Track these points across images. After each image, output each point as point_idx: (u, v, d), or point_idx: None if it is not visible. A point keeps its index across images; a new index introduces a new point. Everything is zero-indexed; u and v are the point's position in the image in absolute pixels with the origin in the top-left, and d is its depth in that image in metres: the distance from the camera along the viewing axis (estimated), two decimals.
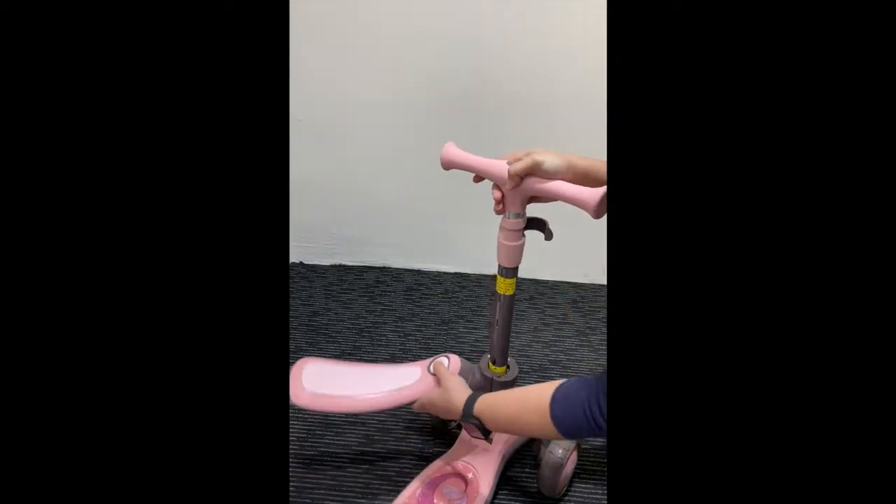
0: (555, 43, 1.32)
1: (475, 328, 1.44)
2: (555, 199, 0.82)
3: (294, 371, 0.98)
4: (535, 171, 0.80)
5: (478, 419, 0.84)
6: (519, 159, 0.81)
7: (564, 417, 0.74)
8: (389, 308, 1.51)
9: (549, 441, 1.01)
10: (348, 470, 1.08)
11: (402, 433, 1.16)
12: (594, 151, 0.83)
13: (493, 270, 0.93)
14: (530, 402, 0.79)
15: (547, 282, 1.60)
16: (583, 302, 1.54)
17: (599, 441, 1.14)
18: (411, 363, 1.01)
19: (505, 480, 1.06)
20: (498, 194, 0.84)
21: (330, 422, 1.19)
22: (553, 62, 1.34)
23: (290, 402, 0.93)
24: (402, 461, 1.10)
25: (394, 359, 1.35)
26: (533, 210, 0.87)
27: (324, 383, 0.97)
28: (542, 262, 1.57)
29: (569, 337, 1.43)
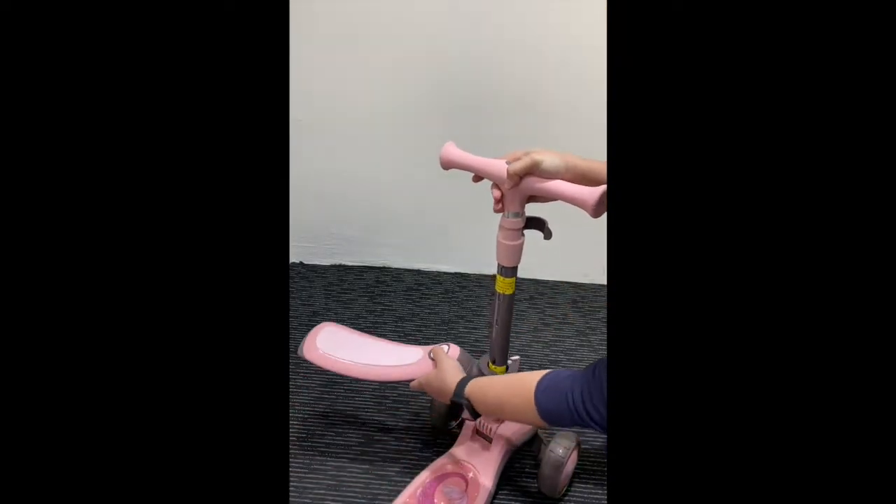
0: (555, 43, 1.32)
1: (475, 328, 1.44)
2: (554, 199, 0.83)
3: (313, 331, 1.09)
4: (533, 170, 0.80)
5: (468, 400, 0.88)
6: (518, 159, 0.81)
7: (547, 403, 0.78)
8: (389, 308, 1.51)
9: (549, 440, 1.02)
10: (348, 470, 1.09)
11: (402, 433, 1.16)
12: (594, 152, 0.83)
13: (493, 270, 0.93)
14: (517, 387, 0.83)
15: (547, 282, 1.60)
16: (583, 302, 1.54)
17: (599, 441, 1.14)
18: (415, 346, 1.06)
19: (505, 480, 1.06)
20: (497, 193, 0.85)
21: (330, 422, 1.19)
22: (553, 62, 1.34)
23: (302, 356, 1.04)
24: (402, 461, 1.10)
25: None
26: (532, 210, 0.87)
27: (334, 346, 1.06)
28: (542, 262, 1.57)
29: (569, 337, 1.43)
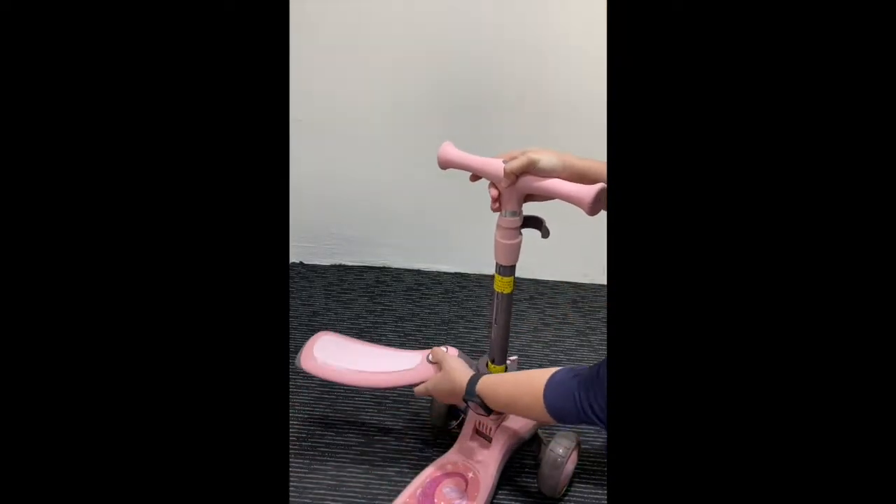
0: (555, 43, 1.32)
1: (475, 328, 1.44)
2: (551, 198, 0.83)
3: (310, 341, 1.07)
4: (530, 169, 0.80)
5: (480, 398, 0.90)
6: (515, 158, 0.81)
7: (555, 402, 0.81)
8: (389, 308, 1.51)
9: (549, 440, 1.02)
10: (348, 470, 1.08)
11: (401, 433, 1.16)
12: (593, 152, 0.83)
13: (493, 270, 0.93)
14: (527, 385, 0.85)
15: (547, 282, 1.60)
16: (583, 302, 1.54)
17: (599, 441, 1.14)
18: (414, 351, 1.05)
19: (505, 480, 1.06)
20: (494, 192, 0.85)
21: (330, 422, 1.19)
22: (553, 63, 1.34)
23: (300, 367, 1.03)
24: (402, 461, 1.10)
25: None
26: (531, 209, 0.88)
27: (332, 355, 1.05)
28: (541, 261, 1.57)
29: (569, 337, 1.43)
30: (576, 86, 1.35)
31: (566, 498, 1.04)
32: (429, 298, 1.54)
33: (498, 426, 1.04)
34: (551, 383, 0.82)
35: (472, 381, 0.91)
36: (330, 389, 1.26)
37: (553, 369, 0.83)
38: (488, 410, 0.91)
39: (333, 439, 1.15)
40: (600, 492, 1.06)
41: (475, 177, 0.87)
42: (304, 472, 1.08)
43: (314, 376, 1.03)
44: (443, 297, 1.55)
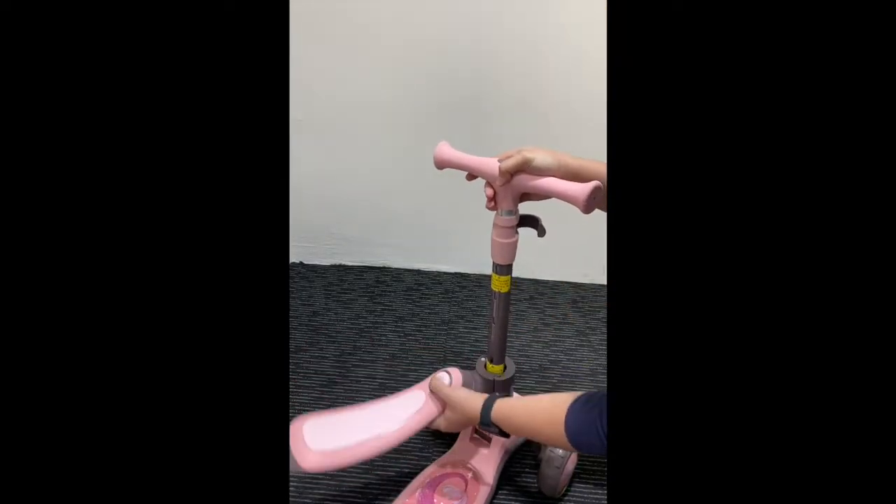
0: (555, 43, 1.32)
1: (475, 328, 1.44)
2: (546, 196, 0.83)
3: (293, 432, 0.87)
4: (525, 167, 0.81)
5: (496, 426, 0.87)
6: (510, 157, 0.81)
7: (579, 437, 0.76)
8: (389, 308, 1.51)
9: None
10: (348, 470, 1.08)
11: None
12: (593, 152, 0.83)
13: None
14: (546, 414, 0.81)
15: (547, 282, 1.60)
16: (583, 302, 1.54)
17: None
18: (411, 388, 0.97)
19: (505, 480, 1.06)
20: (490, 192, 0.86)
21: None
22: (553, 63, 1.34)
23: (299, 469, 0.83)
24: (402, 461, 1.10)
25: (394, 359, 1.35)
26: (528, 208, 0.88)
27: (330, 437, 0.87)
28: (541, 262, 1.57)
29: (569, 337, 1.43)
30: (576, 86, 1.35)
31: (566, 498, 1.04)
32: (429, 298, 1.54)
33: None
34: (572, 415, 0.77)
35: (486, 409, 0.88)
36: (330, 389, 1.26)
37: (571, 396, 0.79)
38: (506, 434, 0.89)
39: None
40: (600, 492, 1.06)
41: (471, 176, 0.87)
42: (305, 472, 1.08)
43: (323, 471, 0.87)
44: (443, 297, 1.55)
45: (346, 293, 1.55)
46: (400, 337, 1.41)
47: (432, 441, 1.14)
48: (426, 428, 0.93)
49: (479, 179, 0.87)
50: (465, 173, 0.87)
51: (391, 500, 0.99)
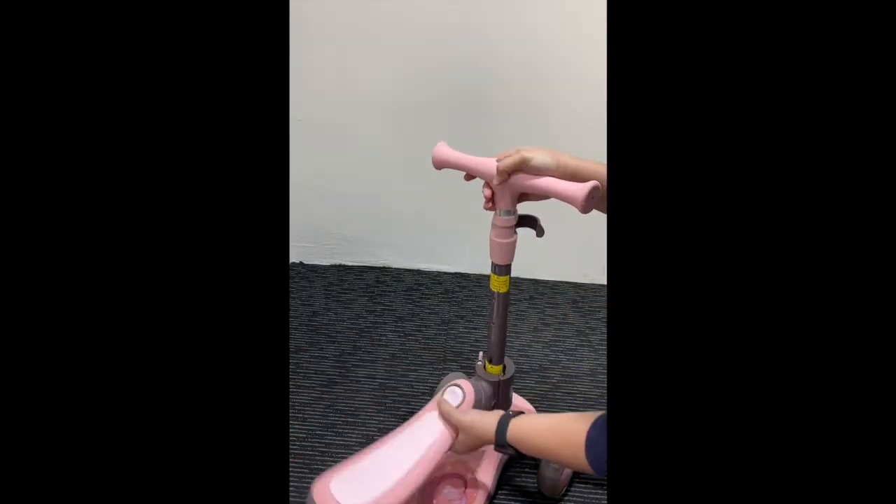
0: (554, 44, 1.32)
1: (475, 328, 1.44)
2: (544, 195, 0.83)
3: (321, 493, 0.85)
4: (522, 166, 0.81)
5: (513, 448, 0.86)
6: (509, 156, 0.81)
7: (599, 459, 0.75)
8: (389, 308, 1.51)
9: None
10: None
11: None
12: (593, 152, 0.83)
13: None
14: (564, 436, 0.79)
15: (547, 282, 1.60)
16: (583, 302, 1.54)
17: None
18: (424, 411, 0.95)
19: (505, 480, 1.06)
20: (488, 192, 0.86)
21: (330, 422, 1.19)
22: (553, 63, 1.34)
23: None
24: None
25: (394, 359, 1.34)
26: (527, 209, 0.88)
27: (360, 491, 0.85)
28: (542, 262, 1.57)
29: (569, 337, 1.43)
30: (576, 86, 1.35)
31: (566, 498, 1.04)
32: (429, 298, 1.54)
33: None
34: (592, 441, 0.75)
35: (501, 431, 0.86)
36: (330, 389, 1.26)
37: (587, 419, 0.77)
38: (523, 455, 0.88)
39: (333, 439, 1.15)
40: (600, 492, 1.06)
41: (469, 176, 0.87)
42: (305, 472, 1.08)
43: None
44: (443, 297, 1.55)
45: (346, 293, 1.55)
46: (400, 337, 1.41)
47: None
48: (449, 451, 0.91)
49: (478, 179, 0.87)
50: (465, 173, 0.88)
51: None
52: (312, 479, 1.06)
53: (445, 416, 0.92)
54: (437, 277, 1.61)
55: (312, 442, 1.14)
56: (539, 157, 0.80)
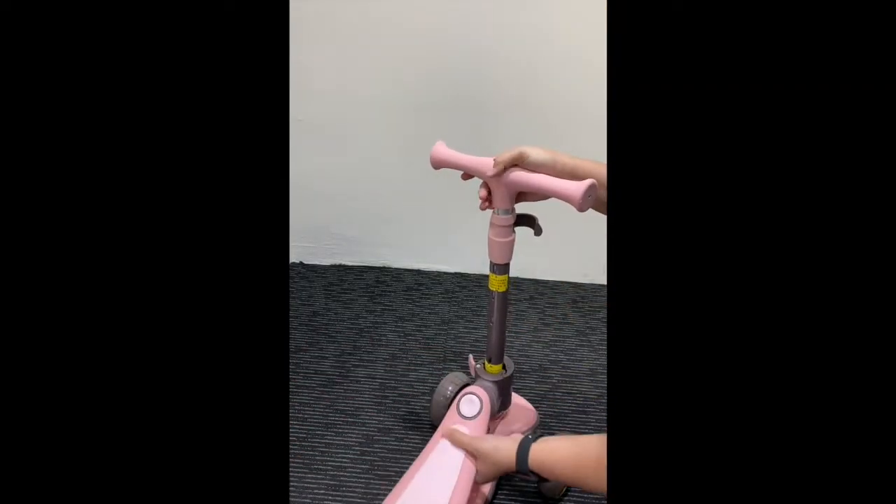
0: (554, 44, 1.32)
1: (475, 328, 1.44)
2: (542, 194, 0.83)
3: None
4: (520, 161, 0.81)
5: (535, 474, 0.85)
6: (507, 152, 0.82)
7: None
8: (389, 308, 1.51)
9: None
10: (348, 470, 1.08)
11: (402, 433, 1.16)
12: (592, 152, 0.83)
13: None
14: (589, 460, 0.79)
15: (547, 282, 1.60)
16: (583, 302, 1.54)
17: None
18: (439, 439, 0.96)
19: (505, 480, 1.06)
20: (484, 192, 0.86)
21: (330, 422, 1.19)
22: (553, 63, 1.34)
23: None
24: (402, 461, 1.10)
25: (394, 359, 1.34)
26: (530, 209, 0.88)
27: None
28: (541, 262, 1.57)
29: (569, 337, 1.43)
30: (576, 86, 1.35)
31: (566, 498, 1.04)
32: (429, 298, 1.54)
33: (497, 426, 1.04)
34: None
35: (521, 457, 0.86)
36: (330, 389, 1.26)
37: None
38: (546, 480, 0.87)
39: (333, 439, 1.15)
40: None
41: (467, 175, 0.88)
42: (304, 472, 1.08)
43: None
44: (443, 297, 1.55)
45: (346, 293, 1.55)
46: (400, 337, 1.41)
47: None
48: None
49: (476, 179, 0.87)
50: (462, 173, 0.88)
51: None
52: (312, 479, 1.06)
53: (459, 446, 0.92)
54: (437, 277, 1.61)
55: (312, 442, 1.14)
56: (536, 153, 0.80)
